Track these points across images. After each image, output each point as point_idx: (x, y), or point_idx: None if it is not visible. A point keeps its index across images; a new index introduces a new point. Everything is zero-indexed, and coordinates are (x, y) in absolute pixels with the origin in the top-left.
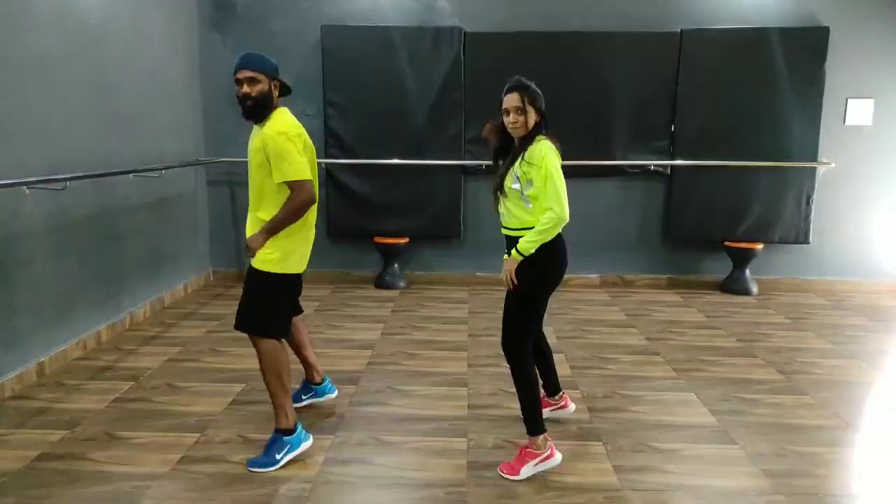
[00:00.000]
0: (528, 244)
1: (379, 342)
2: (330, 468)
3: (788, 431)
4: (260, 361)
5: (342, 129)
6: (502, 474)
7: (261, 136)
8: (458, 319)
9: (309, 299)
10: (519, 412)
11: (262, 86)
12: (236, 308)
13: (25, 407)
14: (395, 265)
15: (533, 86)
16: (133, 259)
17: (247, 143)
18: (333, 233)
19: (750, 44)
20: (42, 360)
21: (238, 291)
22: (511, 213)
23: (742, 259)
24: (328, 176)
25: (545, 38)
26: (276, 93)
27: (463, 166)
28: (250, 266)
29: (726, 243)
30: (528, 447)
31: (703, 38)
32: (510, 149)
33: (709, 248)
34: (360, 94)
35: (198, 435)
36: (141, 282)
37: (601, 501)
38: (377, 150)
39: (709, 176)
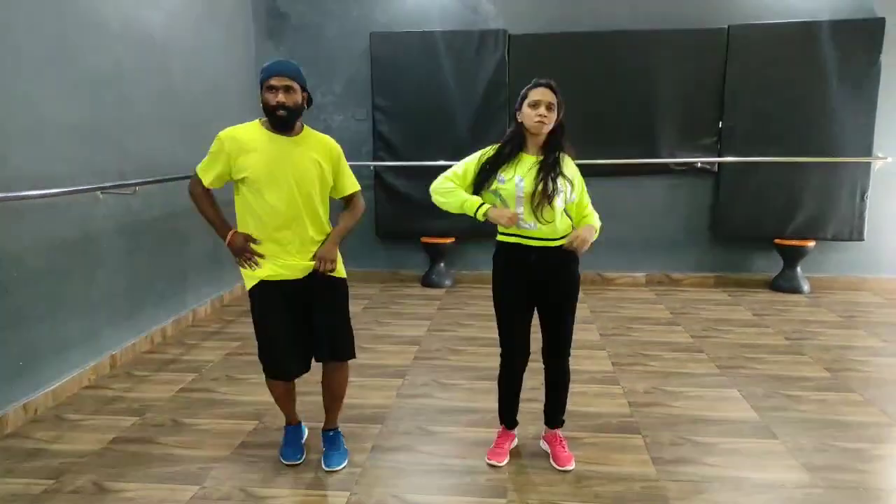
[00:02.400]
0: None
1: (425, 338)
2: (378, 455)
3: (832, 427)
4: (342, 386)
5: (390, 132)
6: (568, 468)
7: (323, 148)
8: None
9: (358, 297)
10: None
11: (297, 96)
12: (329, 338)
13: (100, 396)
14: (442, 264)
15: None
16: (196, 259)
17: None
18: (381, 233)
19: (800, 38)
20: (114, 352)
21: None
22: (556, 222)
23: (793, 257)
24: (376, 178)
25: (590, 38)
26: (304, 105)
27: None
28: (330, 281)
29: (776, 241)
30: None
31: (751, 33)
32: (510, 153)
33: (758, 245)
34: (407, 97)
35: (255, 422)
36: (203, 280)
37: (638, 490)
38: (423, 151)
39: (758, 173)
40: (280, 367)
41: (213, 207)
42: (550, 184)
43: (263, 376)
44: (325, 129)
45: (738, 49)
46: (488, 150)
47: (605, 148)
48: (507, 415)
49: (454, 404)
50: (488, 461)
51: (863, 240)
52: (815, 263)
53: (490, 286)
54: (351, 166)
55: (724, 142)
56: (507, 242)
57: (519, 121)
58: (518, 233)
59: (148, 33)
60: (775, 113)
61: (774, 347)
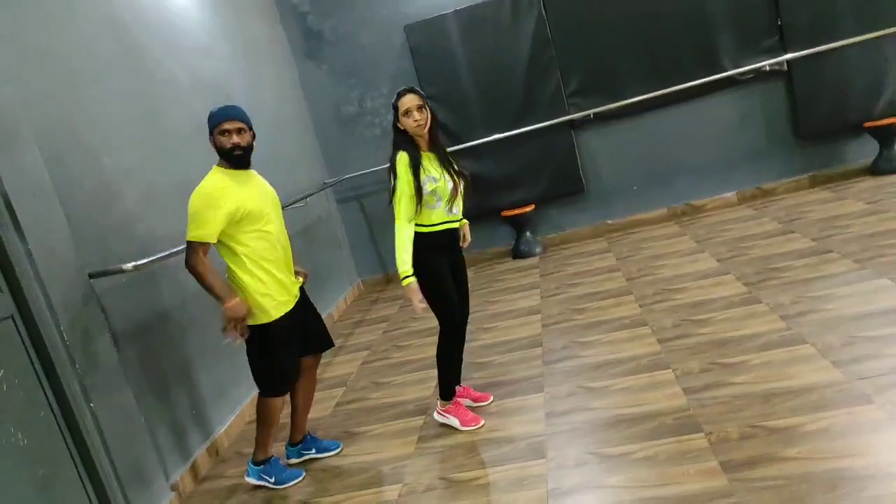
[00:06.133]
0: None
1: (542, 305)
2: (553, 420)
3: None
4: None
5: (445, 118)
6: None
7: (269, 189)
8: (609, 268)
9: None
10: None
11: (248, 136)
12: (320, 329)
13: None
14: (527, 233)
15: None
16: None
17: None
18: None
19: None
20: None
21: (391, 293)
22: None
23: (887, 136)
24: None
25: None
26: (252, 144)
27: (570, 121)
28: (304, 291)
29: (866, 125)
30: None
31: None
32: (417, 154)
33: (848, 134)
34: (454, 80)
35: (423, 417)
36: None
37: (670, 423)
38: (483, 129)
39: (830, 60)
40: (291, 378)
41: (216, 274)
42: (457, 174)
43: (406, 375)
44: (382, 133)
45: None
46: (403, 158)
47: (667, 77)
48: (457, 377)
49: (604, 358)
50: (471, 427)
51: None
52: None
53: (588, 241)
54: None
55: (787, 38)
56: (441, 231)
57: (402, 129)
58: (447, 219)
59: (213, 83)
60: None
61: None
